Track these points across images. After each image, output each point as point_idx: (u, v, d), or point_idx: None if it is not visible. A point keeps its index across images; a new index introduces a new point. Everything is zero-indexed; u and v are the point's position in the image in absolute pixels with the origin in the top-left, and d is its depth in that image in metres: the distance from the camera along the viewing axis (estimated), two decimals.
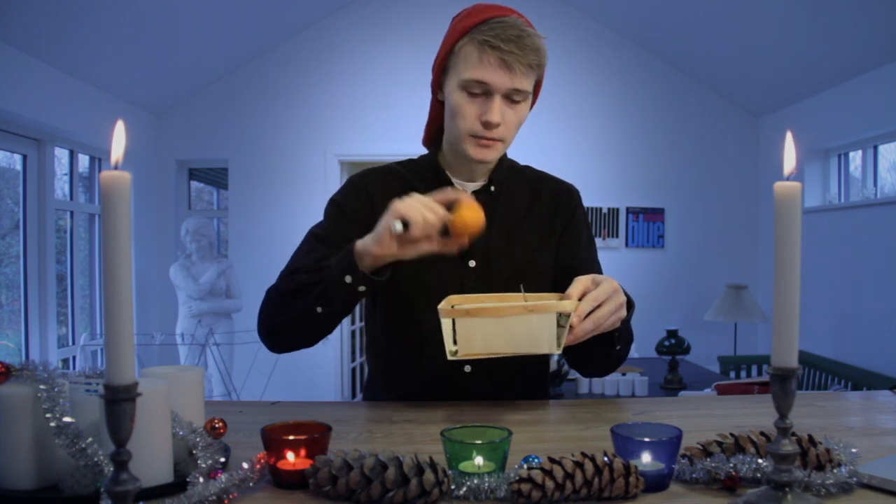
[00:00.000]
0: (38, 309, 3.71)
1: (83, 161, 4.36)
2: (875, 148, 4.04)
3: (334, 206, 1.26)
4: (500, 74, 1.09)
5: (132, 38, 3.80)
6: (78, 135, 3.92)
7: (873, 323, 3.68)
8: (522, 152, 1.36)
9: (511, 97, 1.12)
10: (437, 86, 1.21)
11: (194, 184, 5.52)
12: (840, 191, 4.42)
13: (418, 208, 0.98)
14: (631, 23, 4.80)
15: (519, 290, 1.15)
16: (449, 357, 1.00)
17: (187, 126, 4.92)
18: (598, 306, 1.01)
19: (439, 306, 1.00)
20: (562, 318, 1.00)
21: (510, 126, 1.15)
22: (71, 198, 4.18)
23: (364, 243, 1.03)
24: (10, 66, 3.26)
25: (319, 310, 1.07)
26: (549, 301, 1.01)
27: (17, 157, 3.69)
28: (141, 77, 4.27)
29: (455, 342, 1.00)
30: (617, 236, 4.92)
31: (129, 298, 0.57)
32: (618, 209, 4.92)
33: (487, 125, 1.12)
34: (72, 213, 4.19)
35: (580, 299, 1.01)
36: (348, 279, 1.03)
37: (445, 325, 1.00)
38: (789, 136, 0.71)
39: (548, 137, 4.74)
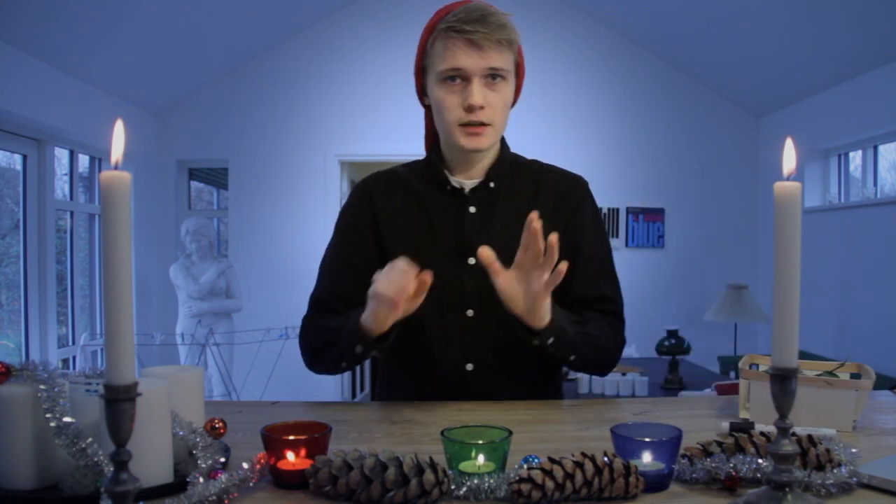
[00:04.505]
0: (38, 309, 3.71)
1: (83, 161, 4.36)
2: (875, 148, 4.03)
3: (343, 219, 1.31)
4: (471, 56, 1.11)
5: (132, 38, 3.80)
6: (78, 135, 3.92)
7: (873, 323, 3.67)
8: (522, 152, 1.35)
9: (489, 78, 1.14)
10: (421, 91, 1.24)
11: (194, 184, 5.52)
12: (840, 191, 4.42)
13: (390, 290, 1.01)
14: (631, 22, 4.80)
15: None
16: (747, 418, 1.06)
17: (187, 126, 4.92)
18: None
19: (740, 364, 1.08)
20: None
21: (496, 108, 1.16)
22: (71, 198, 4.18)
23: (366, 324, 1.07)
24: (10, 66, 3.25)
25: (344, 364, 1.17)
26: (851, 380, 1.04)
27: (17, 157, 3.69)
28: (141, 77, 4.27)
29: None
30: (617, 236, 4.92)
31: (129, 298, 0.57)
32: (618, 209, 4.92)
33: (470, 109, 1.13)
34: (72, 213, 4.19)
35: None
36: (359, 349, 1.11)
37: (742, 386, 1.08)
38: (789, 142, 0.71)
39: (548, 137, 4.73)
